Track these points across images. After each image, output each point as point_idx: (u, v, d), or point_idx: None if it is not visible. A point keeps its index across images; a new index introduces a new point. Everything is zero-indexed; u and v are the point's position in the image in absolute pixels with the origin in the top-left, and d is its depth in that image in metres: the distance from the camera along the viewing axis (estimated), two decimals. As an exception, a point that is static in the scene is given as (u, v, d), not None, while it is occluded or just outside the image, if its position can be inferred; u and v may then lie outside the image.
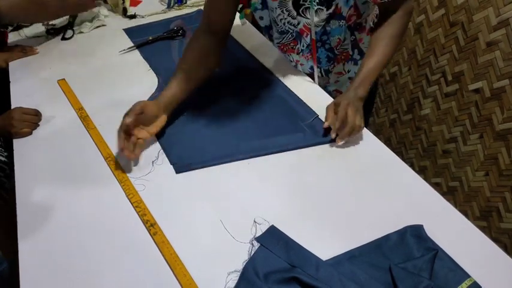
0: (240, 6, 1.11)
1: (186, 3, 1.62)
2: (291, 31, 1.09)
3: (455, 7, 1.51)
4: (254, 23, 1.25)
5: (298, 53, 1.14)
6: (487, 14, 1.40)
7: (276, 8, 1.04)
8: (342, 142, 0.92)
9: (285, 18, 1.06)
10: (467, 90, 1.56)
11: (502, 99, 1.44)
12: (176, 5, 1.60)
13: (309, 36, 1.07)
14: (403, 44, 1.80)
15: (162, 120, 0.95)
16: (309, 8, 1.00)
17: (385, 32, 0.97)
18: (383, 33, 0.97)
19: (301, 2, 0.99)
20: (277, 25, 1.10)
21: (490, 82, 1.46)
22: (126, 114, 0.89)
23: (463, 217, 0.78)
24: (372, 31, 1.02)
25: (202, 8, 1.58)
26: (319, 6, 0.98)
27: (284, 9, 1.03)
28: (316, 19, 1.01)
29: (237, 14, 1.09)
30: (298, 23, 1.05)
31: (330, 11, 0.98)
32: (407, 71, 1.82)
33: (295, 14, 1.03)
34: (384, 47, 0.97)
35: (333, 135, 0.92)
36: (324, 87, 1.19)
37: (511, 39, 1.36)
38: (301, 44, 1.11)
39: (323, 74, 1.16)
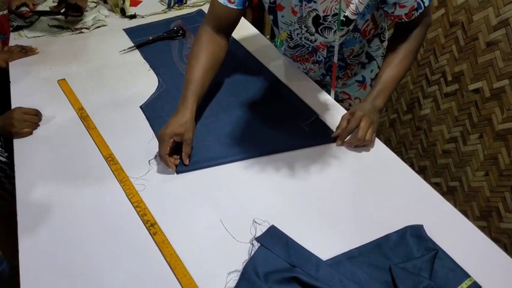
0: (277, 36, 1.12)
1: (186, 3, 1.62)
2: (306, 46, 1.10)
3: (455, 7, 1.51)
4: (254, 23, 1.25)
5: (313, 63, 1.14)
6: (487, 14, 1.40)
7: (294, 23, 1.04)
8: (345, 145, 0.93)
9: (302, 34, 1.06)
10: (467, 90, 1.56)
11: (502, 99, 1.44)
12: (176, 5, 1.60)
13: (325, 51, 1.08)
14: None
15: (191, 132, 0.92)
16: (328, 28, 0.99)
17: (403, 45, 0.97)
18: (401, 46, 0.98)
19: (321, 21, 0.99)
20: (292, 39, 1.10)
21: (490, 82, 1.46)
22: (160, 149, 0.89)
23: (463, 217, 0.78)
24: (389, 41, 1.02)
25: (202, 8, 1.58)
26: (340, 27, 0.98)
27: (303, 25, 1.03)
28: (335, 37, 1.00)
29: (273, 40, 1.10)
30: (316, 40, 1.05)
31: (350, 28, 0.98)
32: (407, 71, 1.82)
33: (313, 30, 1.02)
34: (403, 60, 0.97)
35: (338, 144, 0.93)
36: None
37: (511, 39, 1.36)
38: (317, 55, 1.11)
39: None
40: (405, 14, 0.92)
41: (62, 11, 1.44)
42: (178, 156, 0.91)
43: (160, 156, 0.90)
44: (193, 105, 0.94)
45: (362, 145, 0.92)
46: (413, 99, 1.84)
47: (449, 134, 1.69)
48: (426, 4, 0.91)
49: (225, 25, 1.04)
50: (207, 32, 1.03)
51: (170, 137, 0.89)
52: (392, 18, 0.95)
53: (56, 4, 1.51)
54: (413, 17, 0.92)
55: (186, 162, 0.90)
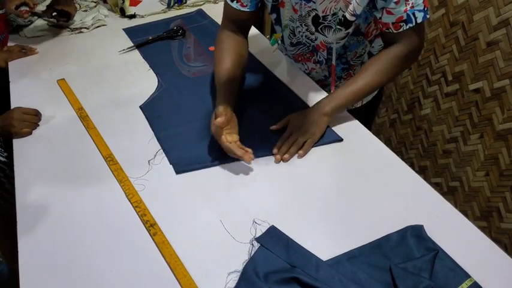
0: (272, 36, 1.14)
1: (186, 3, 1.62)
2: (307, 44, 1.10)
3: (455, 7, 1.51)
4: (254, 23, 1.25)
5: (314, 63, 1.14)
6: (487, 14, 1.40)
7: (296, 20, 1.04)
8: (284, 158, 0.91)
9: (303, 32, 1.06)
10: (467, 90, 1.56)
11: (502, 99, 1.44)
12: (176, 4, 1.60)
13: (325, 52, 1.07)
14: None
15: (235, 119, 0.93)
16: (328, 27, 0.99)
17: (379, 64, 0.94)
18: (376, 63, 0.95)
19: (320, 21, 0.98)
20: (295, 36, 1.10)
21: (491, 82, 1.46)
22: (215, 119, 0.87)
23: (463, 217, 0.78)
24: (375, 54, 1.01)
25: (202, 7, 1.58)
26: (338, 27, 0.97)
27: (303, 23, 1.03)
28: (334, 37, 1.00)
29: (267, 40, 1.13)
30: (316, 39, 1.05)
31: (349, 30, 0.97)
32: (408, 71, 1.82)
33: (313, 29, 1.02)
34: (370, 76, 0.94)
35: (274, 151, 0.92)
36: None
37: (511, 39, 1.35)
38: (318, 55, 1.11)
39: (335, 79, 1.16)
40: (392, 24, 0.89)
41: (53, 14, 1.44)
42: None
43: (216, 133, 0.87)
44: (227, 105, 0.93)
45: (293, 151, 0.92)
46: (413, 99, 1.84)
47: (449, 134, 1.69)
48: (419, 20, 0.87)
49: (241, 27, 1.09)
50: (226, 34, 1.08)
51: (224, 109, 0.88)
52: (381, 26, 0.92)
53: (44, 9, 1.50)
54: (401, 29, 0.88)
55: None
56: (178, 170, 0.90)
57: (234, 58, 1.03)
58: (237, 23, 1.08)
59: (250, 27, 1.13)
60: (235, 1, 1.03)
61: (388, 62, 0.94)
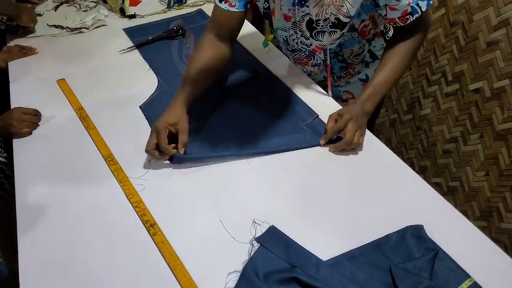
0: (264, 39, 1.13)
1: (185, 2, 1.62)
2: (303, 50, 1.09)
3: (455, 7, 1.51)
4: (254, 22, 1.25)
5: (312, 66, 1.14)
6: (487, 14, 1.40)
7: (289, 29, 1.04)
8: (332, 150, 0.92)
9: (298, 38, 1.06)
10: (467, 90, 1.56)
11: (502, 99, 1.44)
12: (176, 4, 1.60)
13: (322, 53, 1.07)
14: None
15: (186, 122, 0.93)
16: (321, 32, 0.99)
17: (399, 49, 0.96)
18: (397, 49, 0.96)
19: (313, 25, 0.98)
20: (289, 44, 1.10)
21: (490, 82, 1.46)
22: (160, 140, 0.88)
23: (463, 217, 0.78)
24: (387, 44, 1.01)
25: (202, 7, 1.58)
26: (332, 29, 0.97)
27: (298, 29, 1.02)
28: (329, 40, 1.00)
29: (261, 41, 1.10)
30: (311, 44, 1.05)
31: (344, 30, 0.98)
32: (408, 71, 1.82)
33: (308, 34, 1.02)
34: (396, 63, 0.96)
35: (321, 142, 0.93)
36: (335, 88, 1.20)
37: (511, 39, 1.35)
38: (315, 59, 1.11)
39: (335, 79, 1.16)
40: (399, 18, 0.90)
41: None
42: (174, 145, 0.91)
43: (162, 147, 0.88)
44: (184, 101, 0.95)
45: (350, 148, 0.92)
46: (413, 99, 1.84)
47: (449, 134, 1.69)
48: (423, 9, 0.89)
49: (228, 30, 1.05)
50: (209, 38, 1.04)
51: (165, 127, 0.89)
52: (388, 21, 0.93)
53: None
54: (408, 21, 0.90)
55: (181, 151, 0.89)
56: (175, 161, 0.90)
57: (206, 63, 0.99)
58: (223, 26, 1.04)
59: (237, 33, 1.08)
60: (223, 1, 1.01)
61: (408, 47, 0.96)
